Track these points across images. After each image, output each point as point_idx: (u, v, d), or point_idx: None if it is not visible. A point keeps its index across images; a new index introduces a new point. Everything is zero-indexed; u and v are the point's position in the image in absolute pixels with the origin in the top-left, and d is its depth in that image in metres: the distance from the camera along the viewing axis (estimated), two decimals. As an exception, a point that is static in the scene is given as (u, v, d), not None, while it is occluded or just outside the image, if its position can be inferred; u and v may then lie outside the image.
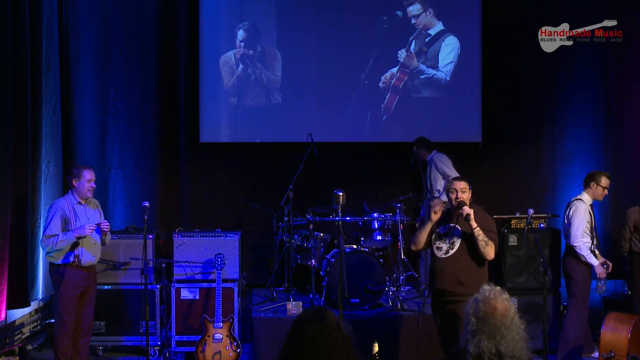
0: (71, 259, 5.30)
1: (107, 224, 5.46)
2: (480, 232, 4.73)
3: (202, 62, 7.58)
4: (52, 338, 6.03)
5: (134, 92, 7.39)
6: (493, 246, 4.77)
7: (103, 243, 5.58)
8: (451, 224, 4.88)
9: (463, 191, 4.85)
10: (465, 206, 4.77)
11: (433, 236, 4.96)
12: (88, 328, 5.52)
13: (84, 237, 5.31)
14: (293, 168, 6.78)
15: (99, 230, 5.44)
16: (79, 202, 5.42)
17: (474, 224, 4.73)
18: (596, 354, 6.06)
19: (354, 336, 2.75)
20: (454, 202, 4.86)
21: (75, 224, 5.32)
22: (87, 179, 5.38)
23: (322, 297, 6.36)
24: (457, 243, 4.84)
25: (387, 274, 6.45)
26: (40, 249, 6.22)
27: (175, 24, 7.48)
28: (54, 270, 5.37)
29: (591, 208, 6.04)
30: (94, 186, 5.48)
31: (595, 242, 5.99)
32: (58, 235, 5.25)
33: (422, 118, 7.80)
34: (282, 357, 2.70)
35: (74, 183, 5.39)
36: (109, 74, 7.33)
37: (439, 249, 4.90)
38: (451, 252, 4.84)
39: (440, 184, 7.07)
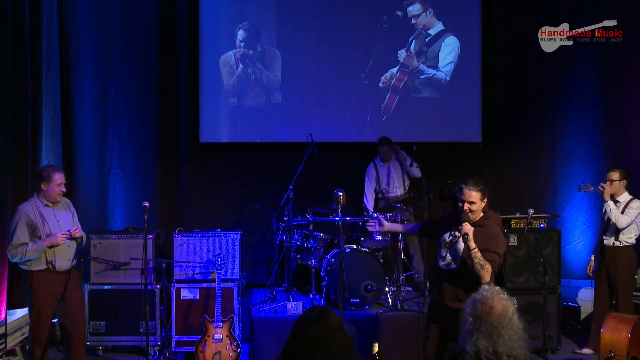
0: (45, 266, 5.07)
1: (78, 230, 5.17)
2: (478, 254, 4.31)
3: (202, 62, 7.58)
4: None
5: (134, 92, 7.39)
6: (490, 270, 4.32)
7: (79, 244, 5.27)
8: (457, 233, 4.49)
9: (472, 203, 4.42)
10: (466, 224, 4.37)
11: (441, 240, 4.63)
12: (81, 333, 5.34)
13: (57, 245, 5.08)
14: (293, 168, 6.79)
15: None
16: (46, 205, 5.12)
17: (471, 245, 4.31)
18: (585, 350, 6.11)
19: (356, 337, 2.75)
20: (462, 213, 4.46)
21: (44, 229, 5.05)
22: (57, 182, 5.08)
23: (322, 297, 6.36)
24: (459, 258, 4.47)
25: (387, 274, 6.45)
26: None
27: (175, 24, 7.48)
28: (25, 277, 5.12)
29: (611, 204, 6.09)
30: (64, 190, 5.18)
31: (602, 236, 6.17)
32: (27, 244, 5.00)
33: (422, 118, 7.80)
34: (285, 356, 2.70)
35: (43, 186, 5.07)
36: (109, 74, 7.33)
37: (442, 258, 4.58)
38: (453, 266, 4.51)
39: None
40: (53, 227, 5.11)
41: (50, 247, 5.05)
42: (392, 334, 5.94)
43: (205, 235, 6.26)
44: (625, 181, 6.11)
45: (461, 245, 4.43)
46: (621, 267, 6.05)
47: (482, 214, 4.50)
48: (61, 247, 5.11)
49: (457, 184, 6.26)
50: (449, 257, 4.56)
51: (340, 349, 2.67)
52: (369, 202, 7.28)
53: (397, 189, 7.27)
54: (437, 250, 4.68)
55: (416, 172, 7.09)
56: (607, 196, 6.08)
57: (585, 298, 7.10)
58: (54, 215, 5.16)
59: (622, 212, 6.04)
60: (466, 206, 4.42)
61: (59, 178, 5.11)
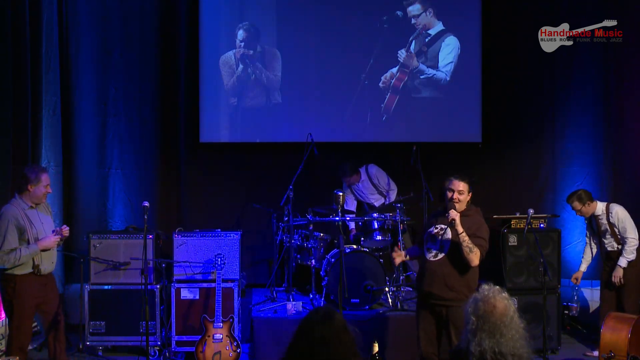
0: (30, 270, 4.97)
1: (68, 229, 5.14)
2: (466, 238, 4.60)
3: (202, 62, 7.58)
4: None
5: (134, 92, 7.39)
6: (478, 253, 4.63)
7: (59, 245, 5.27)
8: (442, 225, 4.78)
9: (460, 193, 4.71)
10: (453, 210, 4.65)
11: (425, 236, 4.88)
12: (62, 335, 5.29)
13: (50, 248, 5.04)
14: (293, 168, 6.78)
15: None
16: (31, 207, 5.02)
17: (459, 229, 4.61)
18: (596, 353, 6.11)
19: (359, 337, 2.77)
20: (448, 202, 4.76)
21: (32, 232, 4.97)
22: (45, 184, 5.03)
23: (322, 297, 6.36)
24: (447, 246, 4.74)
25: (387, 274, 6.44)
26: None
27: (175, 24, 7.48)
28: (6, 279, 4.96)
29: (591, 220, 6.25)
30: (50, 191, 5.16)
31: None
32: (19, 248, 4.89)
33: (422, 118, 7.80)
34: (290, 356, 2.71)
35: (30, 188, 4.97)
36: (109, 74, 7.33)
37: (429, 250, 4.81)
38: (440, 255, 4.75)
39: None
40: (39, 230, 5.04)
41: (43, 250, 5.00)
42: (392, 334, 5.94)
43: (205, 235, 6.27)
44: (588, 201, 6.12)
45: (449, 234, 4.71)
46: (627, 270, 6.05)
47: (465, 207, 4.79)
48: (47, 250, 5.06)
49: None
50: (435, 248, 4.79)
51: (346, 349, 2.69)
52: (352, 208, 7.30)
53: (377, 201, 7.29)
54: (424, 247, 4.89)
55: (392, 195, 7.24)
56: (588, 220, 6.24)
57: (586, 298, 7.10)
58: (38, 217, 5.09)
59: (610, 223, 6.09)
60: (455, 195, 4.71)
61: (45, 179, 5.05)
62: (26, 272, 4.98)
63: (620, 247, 6.07)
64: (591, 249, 6.31)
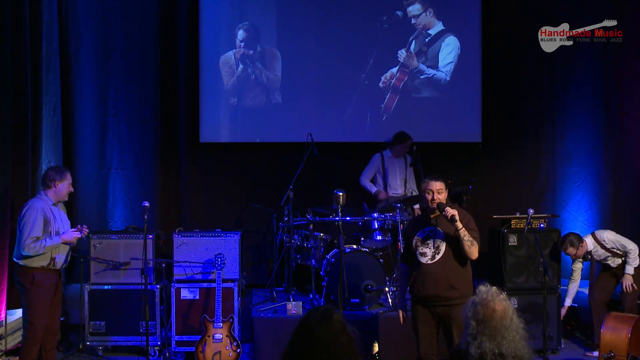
0: (47, 262, 5.12)
1: (87, 229, 5.38)
2: (466, 233, 4.63)
3: (202, 62, 7.58)
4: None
5: (134, 92, 7.40)
6: (477, 245, 4.67)
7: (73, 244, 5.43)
8: (430, 227, 4.79)
9: (439, 192, 4.74)
10: (448, 207, 4.66)
11: (414, 242, 4.82)
12: (57, 330, 5.45)
13: (71, 242, 5.25)
14: (293, 168, 6.79)
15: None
16: (54, 204, 5.25)
17: (459, 225, 4.61)
18: (595, 353, 6.10)
19: (358, 338, 2.75)
20: (430, 204, 4.75)
21: (55, 226, 5.18)
22: (69, 182, 5.28)
23: (322, 297, 6.36)
24: (443, 246, 4.72)
25: (387, 274, 6.45)
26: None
27: (175, 24, 7.49)
28: (23, 274, 5.12)
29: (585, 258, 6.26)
30: (73, 189, 5.41)
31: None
32: (45, 238, 5.08)
33: (422, 118, 7.80)
34: (288, 355, 2.70)
35: (56, 184, 5.20)
36: (109, 74, 7.33)
37: (423, 254, 4.75)
38: (438, 256, 4.71)
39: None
40: (59, 225, 5.24)
41: (64, 243, 5.20)
42: (392, 334, 5.93)
43: (205, 235, 6.26)
44: (580, 243, 6.08)
45: (441, 234, 4.73)
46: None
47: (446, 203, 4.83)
48: (63, 245, 5.23)
49: (458, 184, 6.29)
50: (430, 251, 4.75)
51: (345, 349, 2.67)
52: (369, 185, 7.23)
53: (399, 187, 7.26)
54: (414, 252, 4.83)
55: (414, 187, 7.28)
56: (583, 258, 6.19)
57: (586, 298, 7.09)
58: (59, 214, 5.30)
59: (608, 249, 6.10)
60: (436, 196, 4.73)
61: (70, 177, 5.30)
62: (43, 264, 5.13)
63: (622, 260, 6.11)
64: (575, 283, 6.32)
